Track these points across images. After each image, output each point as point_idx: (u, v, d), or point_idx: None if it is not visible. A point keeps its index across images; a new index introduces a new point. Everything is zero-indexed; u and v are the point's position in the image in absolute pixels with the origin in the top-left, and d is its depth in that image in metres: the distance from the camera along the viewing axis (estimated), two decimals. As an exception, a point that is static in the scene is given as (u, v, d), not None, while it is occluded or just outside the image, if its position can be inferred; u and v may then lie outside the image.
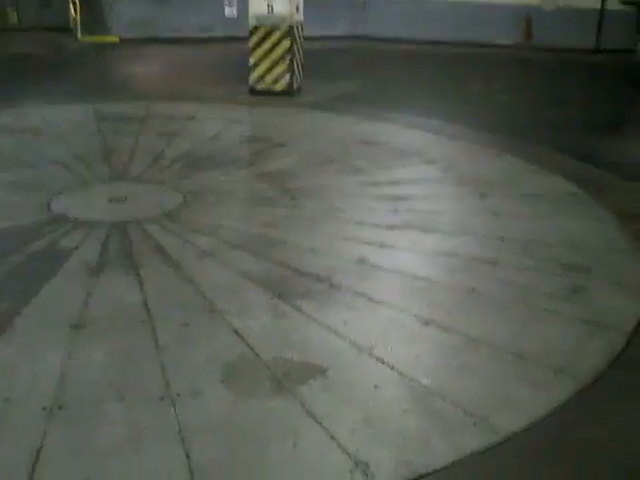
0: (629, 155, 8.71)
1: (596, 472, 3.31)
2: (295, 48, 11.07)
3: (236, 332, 4.22)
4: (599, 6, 17.30)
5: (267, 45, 10.98)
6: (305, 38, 11.74)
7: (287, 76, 11.05)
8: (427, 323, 4.43)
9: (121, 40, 17.43)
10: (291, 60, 11.02)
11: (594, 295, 4.93)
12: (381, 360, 4.02)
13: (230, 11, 17.72)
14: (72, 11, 18.09)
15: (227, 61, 14.30)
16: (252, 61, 11.11)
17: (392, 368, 3.96)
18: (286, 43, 10.94)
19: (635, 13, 16.80)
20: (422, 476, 3.20)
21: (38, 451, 3.20)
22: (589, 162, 8.05)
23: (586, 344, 4.30)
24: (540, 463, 3.34)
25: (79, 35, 17.54)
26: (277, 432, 3.42)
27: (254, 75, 11.12)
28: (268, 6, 10.89)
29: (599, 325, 4.51)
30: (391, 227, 5.93)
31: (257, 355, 4.00)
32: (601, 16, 17.16)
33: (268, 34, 10.91)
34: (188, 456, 3.21)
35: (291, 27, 10.90)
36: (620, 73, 14.85)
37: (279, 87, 11.08)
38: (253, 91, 11.13)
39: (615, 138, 9.40)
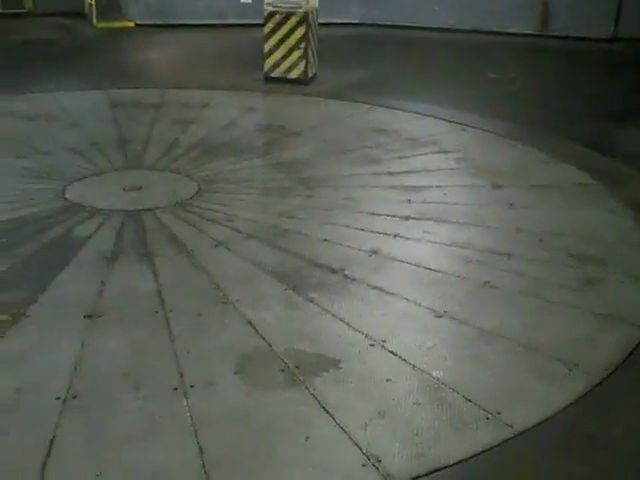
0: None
1: (609, 468, 3.31)
2: (310, 35, 11.01)
3: (249, 323, 4.24)
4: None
5: (282, 32, 10.92)
6: (319, 25, 11.68)
7: (302, 64, 10.99)
8: (440, 315, 4.43)
9: (137, 26, 17.41)
10: (306, 47, 10.95)
11: (608, 288, 4.90)
12: (394, 352, 4.03)
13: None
14: (87, -4, 18.12)
15: (242, 48, 14.27)
16: (267, 48, 11.06)
17: (405, 361, 3.96)
18: (301, 30, 10.87)
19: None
20: (435, 471, 3.21)
21: (51, 441, 3.22)
22: (603, 152, 7.98)
23: (601, 337, 4.29)
24: (554, 459, 3.34)
25: (94, 20, 17.53)
26: (290, 424, 3.43)
27: (269, 62, 11.07)
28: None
29: (614, 318, 4.49)
30: (405, 218, 5.91)
31: (270, 346, 4.01)
32: (619, 3, 16.95)
33: (283, 21, 10.85)
34: (201, 447, 3.23)
35: (306, 13, 10.83)
36: (638, 62, 14.69)
37: (294, 75, 11.03)
38: (268, 78, 11.09)
39: (630, 128, 9.30)
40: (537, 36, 17.29)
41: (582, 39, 16.65)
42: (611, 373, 3.95)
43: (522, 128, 8.82)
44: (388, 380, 3.79)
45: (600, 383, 3.86)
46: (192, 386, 3.64)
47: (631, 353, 4.13)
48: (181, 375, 3.72)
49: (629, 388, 3.88)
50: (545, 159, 7.71)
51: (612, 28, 17.00)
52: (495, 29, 17.42)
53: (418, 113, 9.41)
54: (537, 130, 8.76)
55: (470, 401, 3.65)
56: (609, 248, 5.55)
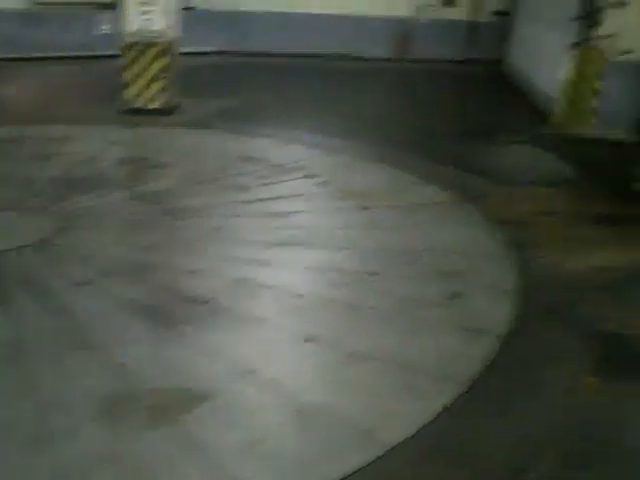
0: (499, 161, 9.07)
1: (476, 475, 3.41)
2: (172, 65, 10.90)
3: (115, 363, 4.10)
4: (471, 17, 17.97)
5: (143, 62, 10.75)
6: (182, 54, 11.60)
7: (164, 94, 10.85)
8: (310, 340, 4.45)
9: (-10, 60, 16.71)
10: (168, 77, 10.83)
11: (470, 301, 5.09)
12: (265, 381, 4.01)
13: (106, 28, 17.34)
14: None
15: (103, 80, 13.91)
16: (128, 79, 10.85)
17: (277, 388, 3.95)
18: (162, 60, 10.73)
19: (503, 24, 17.51)
20: (309, 497, 3.21)
21: None
22: (464, 169, 8.31)
23: (464, 350, 4.44)
24: (425, 472, 3.41)
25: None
26: (158, 465, 3.34)
27: (130, 93, 10.85)
28: (144, 21, 10.70)
29: (475, 331, 4.66)
30: (273, 244, 5.92)
31: (137, 386, 3.91)
32: (473, 27, 17.81)
33: (144, 50, 10.70)
34: (65, 498, 3.09)
35: (168, 42, 10.72)
36: (491, 83, 15.46)
37: (156, 105, 10.85)
38: (130, 110, 10.86)
39: (486, 145, 9.75)
40: (399, 60, 17.87)
41: (440, 62, 17.33)
42: (475, 384, 4.09)
43: (387, 150, 9.04)
44: (260, 409, 3.77)
45: (465, 394, 3.98)
46: (53, 434, 3.47)
47: (492, 363, 4.30)
48: (42, 424, 3.54)
49: (492, 397, 4.03)
50: (410, 179, 7.92)
51: (468, 51, 17.81)
52: (359, 54, 17.86)
53: (285, 140, 9.47)
54: (402, 151, 9.01)
55: (342, 423, 3.68)
56: (472, 262, 5.77)
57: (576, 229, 6.71)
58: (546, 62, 12.66)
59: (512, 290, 5.28)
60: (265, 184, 7.54)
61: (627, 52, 9.79)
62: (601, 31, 10.26)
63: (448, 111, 12.20)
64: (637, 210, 7.33)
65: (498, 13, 17.87)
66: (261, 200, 7.02)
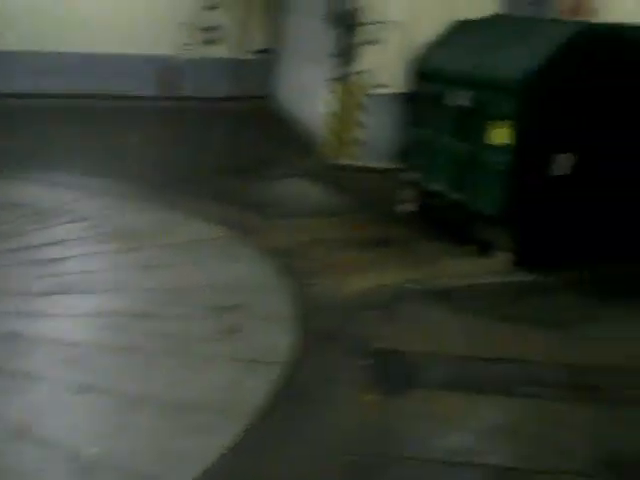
0: (272, 195, 9.27)
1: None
2: None
3: None
4: (235, 55, 18.32)
5: None
6: None
7: None
8: (86, 390, 4.27)
9: None
10: None
11: (249, 334, 5.15)
12: (41, 439, 3.78)
13: None
14: None
15: None
16: None
17: (54, 445, 3.75)
18: None
19: (268, 61, 18.05)
20: None
21: None
22: (236, 205, 8.37)
23: (246, 383, 4.48)
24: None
25: None
26: None
27: None
28: None
29: (256, 362, 4.72)
30: (41, 294, 5.62)
31: None
32: (238, 65, 18.15)
33: None
34: None
35: None
36: (259, 118, 15.80)
37: None
38: None
39: (258, 181, 9.90)
40: (166, 98, 17.75)
41: (206, 99, 17.45)
42: (261, 415, 4.10)
43: (155, 189, 8.85)
44: (38, 470, 3.53)
45: (253, 426, 3.98)
46: None
47: (276, 392, 4.35)
48: None
49: (278, 425, 4.07)
50: (180, 218, 7.84)
51: (235, 88, 18.13)
52: (124, 93, 17.50)
53: (50, 183, 9.00)
54: (170, 190, 8.85)
55: (125, 472, 3.55)
56: (249, 295, 5.84)
57: (351, 254, 7.01)
58: (308, 97, 13.21)
59: (291, 319, 5.41)
60: (30, 231, 7.14)
61: (382, 86, 10.43)
62: (357, 67, 10.89)
63: (217, 148, 12.27)
64: (404, 231, 7.77)
65: (260, 51, 18.42)
66: (27, 248, 6.63)
